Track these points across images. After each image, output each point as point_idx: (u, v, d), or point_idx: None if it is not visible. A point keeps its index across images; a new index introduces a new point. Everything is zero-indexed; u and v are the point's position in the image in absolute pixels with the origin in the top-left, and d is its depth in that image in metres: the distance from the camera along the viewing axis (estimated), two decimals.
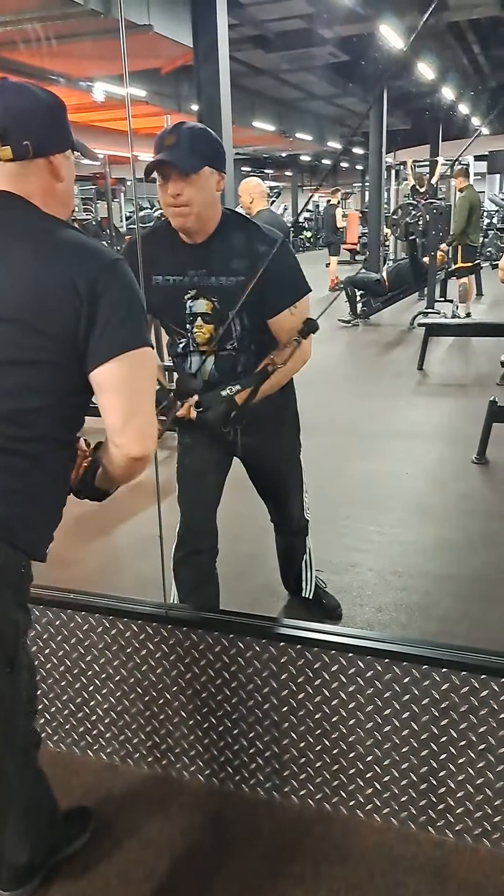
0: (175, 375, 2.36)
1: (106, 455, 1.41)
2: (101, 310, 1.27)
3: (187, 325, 2.15)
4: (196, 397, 2.07)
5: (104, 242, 6.46)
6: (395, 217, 11.09)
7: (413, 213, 10.15)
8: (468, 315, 9.15)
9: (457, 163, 10.00)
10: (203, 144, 1.99)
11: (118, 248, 7.71)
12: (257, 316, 2.13)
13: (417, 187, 12.26)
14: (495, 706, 1.75)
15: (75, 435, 1.44)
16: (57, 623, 2.09)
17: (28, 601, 1.35)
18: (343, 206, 14.17)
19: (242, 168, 26.93)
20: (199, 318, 2.13)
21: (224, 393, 2.10)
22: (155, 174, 1.98)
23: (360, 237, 16.29)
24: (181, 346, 2.20)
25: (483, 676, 1.75)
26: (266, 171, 30.25)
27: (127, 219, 18.51)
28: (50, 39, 8.64)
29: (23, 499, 1.30)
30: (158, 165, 1.95)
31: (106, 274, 1.29)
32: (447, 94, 15.95)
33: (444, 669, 1.77)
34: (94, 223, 15.40)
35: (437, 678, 1.78)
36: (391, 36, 10.52)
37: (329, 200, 14.68)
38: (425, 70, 13.26)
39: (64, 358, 1.28)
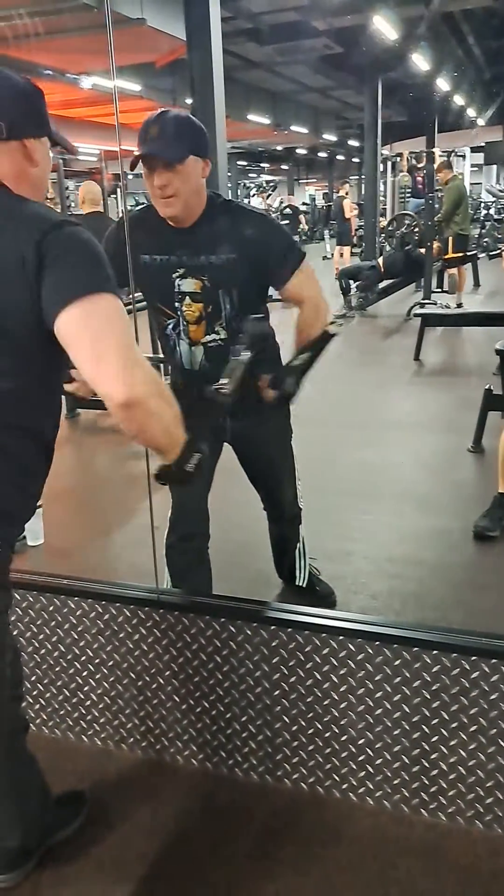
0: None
1: None
2: (46, 267, 1.25)
3: (176, 304, 2.15)
4: (268, 378, 2.07)
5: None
6: (389, 228, 11.09)
7: (408, 223, 10.14)
8: (459, 305, 9.15)
9: (448, 155, 10.02)
10: (187, 133, 1.99)
11: None
12: (248, 295, 2.13)
13: (416, 164, 12.25)
14: (486, 688, 1.75)
15: (48, 427, 1.42)
16: (50, 609, 2.09)
17: (7, 582, 1.35)
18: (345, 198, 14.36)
19: (238, 162, 26.89)
20: (188, 296, 2.13)
21: (296, 363, 2.10)
22: (141, 165, 1.99)
23: (356, 229, 16.28)
24: (170, 326, 2.20)
25: (474, 658, 1.75)
26: (262, 164, 30.22)
27: (125, 212, 18.50)
28: (43, 34, 8.61)
29: None
30: (144, 157, 1.96)
31: (49, 234, 1.27)
32: (442, 85, 15.90)
33: (434, 651, 1.78)
34: None
35: (428, 660, 1.78)
36: (385, 27, 10.50)
37: (337, 192, 14.79)
38: (420, 61, 13.22)
39: (29, 333, 1.27)
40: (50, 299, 1.25)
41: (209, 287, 2.11)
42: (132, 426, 1.30)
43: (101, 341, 1.25)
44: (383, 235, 12.90)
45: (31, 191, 1.39)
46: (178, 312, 2.16)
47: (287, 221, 18.20)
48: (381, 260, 9.91)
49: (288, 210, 18.73)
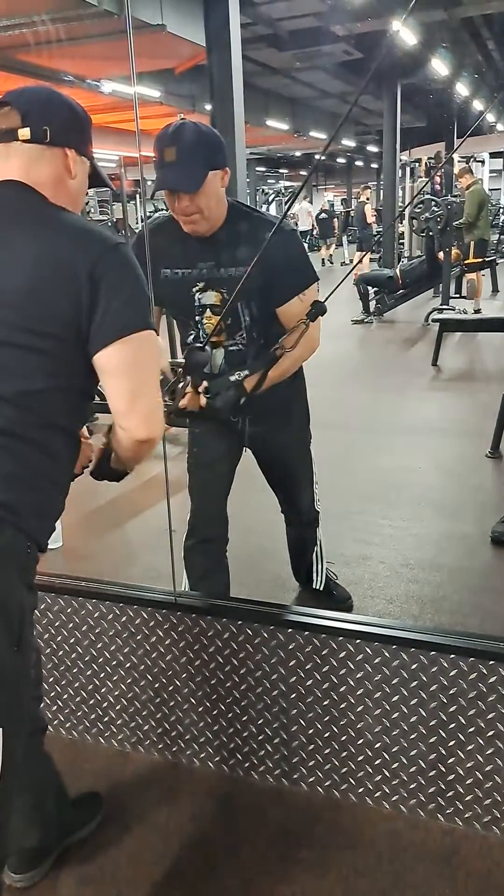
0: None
1: (114, 438, 1.42)
2: (101, 294, 1.27)
3: (196, 317, 2.16)
4: (205, 384, 2.05)
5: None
6: (416, 210, 11.12)
7: (434, 209, 10.11)
8: (477, 311, 9.12)
9: (467, 160, 10.02)
10: (203, 150, 1.95)
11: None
12: (266, 305, 2.13)
13: (432, 169, 12.26)
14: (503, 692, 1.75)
15: (81, 424, 1.45)
16: (69, 610, 2.11)
17: (34, 582, 1.36)
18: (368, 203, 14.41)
19: (257, 168, 26.96)
20: (208, 309, 2.14)
21: (232, 378, 2.09)
22: None
23: (375, 234, 16.28)
24: (191, 337, 2.22)
25: (491, 662, 1.74)
26: (280, 170, 30.27)
27: (143, 220, 18.61)
28: (64, 40, 8.67)
29: (27, 484, 1.31)
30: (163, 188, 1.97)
31: (106, 257, 1.30)
32: (462, 90, 15.86)
33: (452, 656, 1.77)
34: (109, 224, 15.48)
35: (446, 664, 1.78)
36: (405, 33, 10.49)
37: (357, 197, 14.83)
38: (439, 66, 13.20)
39: (67, 343, 1.29)
40: (99, 329, 1.29)
41: (228, 299, 2.11)
42: (136, 455, 1.42)
43: (140, 381, 1.33)
44: (409, 218, 12.85)
45: (68, 203, 1.40)
46: (199, 325, 2.17)
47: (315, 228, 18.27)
48: (398, 270, 9.90)
49: (323, 215, 18.74)
